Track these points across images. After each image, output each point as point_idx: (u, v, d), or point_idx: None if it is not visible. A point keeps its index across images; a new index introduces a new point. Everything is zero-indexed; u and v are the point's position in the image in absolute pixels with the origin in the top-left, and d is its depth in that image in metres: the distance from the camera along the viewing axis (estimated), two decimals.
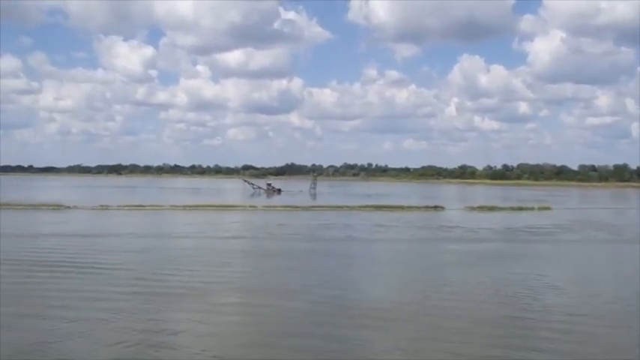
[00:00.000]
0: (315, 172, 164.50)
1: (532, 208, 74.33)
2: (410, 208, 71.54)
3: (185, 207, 67.85)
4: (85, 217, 55.96)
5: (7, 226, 45.87)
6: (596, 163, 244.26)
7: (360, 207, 70.79)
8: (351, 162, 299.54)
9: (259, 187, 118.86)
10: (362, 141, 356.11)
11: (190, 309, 19.58)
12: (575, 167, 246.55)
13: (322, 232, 45.44)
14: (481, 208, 72.93)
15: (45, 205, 66.37)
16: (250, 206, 71.34)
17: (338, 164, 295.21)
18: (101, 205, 67.16)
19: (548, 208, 75.14)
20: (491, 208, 73.47)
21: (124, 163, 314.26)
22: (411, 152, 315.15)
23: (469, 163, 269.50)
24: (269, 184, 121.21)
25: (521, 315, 19.42)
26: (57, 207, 65.20)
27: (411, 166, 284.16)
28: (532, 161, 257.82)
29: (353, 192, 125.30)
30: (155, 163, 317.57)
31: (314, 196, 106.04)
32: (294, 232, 45.14)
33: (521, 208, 74.38)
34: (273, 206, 71.39)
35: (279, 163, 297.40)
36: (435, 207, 72.27)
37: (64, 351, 15.06)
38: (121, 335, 16.30)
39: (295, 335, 16.83)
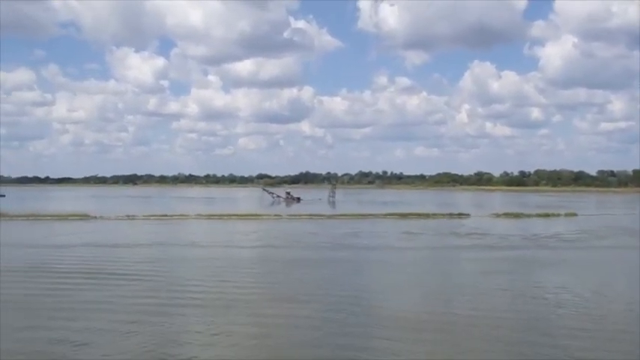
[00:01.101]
0: (333, 180, 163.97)
1: (558, 215, 73.75)
2: (435, 215, 71.24)
3: (210, 216, 68.10)
4: (114, 228, 56.16)
5: (42, 237, 46.30)
6: (612, 169, 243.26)
7: (386, 215, 70.71)
8: (363, 169, 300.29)
9: (278, 196, 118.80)
10: (373, 149, 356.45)
11: (237, 317, 19.76)
12: (591, 172, 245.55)
13: (352, 240, 45.34)
14: (507, 215, 72.40)
15: (72, 215, 66.81)
16: (275, 215, 71.38)
17: (348, 172, 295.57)
18: (127, 215, 67.59)
19: (574, 215, 74.51)
20: (517, 215, 72.99)
21: (138, 173, 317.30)
22: (422, 159, 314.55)
23: (482, 170, 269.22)
24: (288, 193, 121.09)
25: (571, 323, 19.27)
26: (83, 217, 65.61)
27: (424, 173, 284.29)
28: (545, 167, 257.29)
29: (371, 200, 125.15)
30: (167, 173, 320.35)
31: (333, 204, 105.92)
32: (325, 240, 45.05)
33: (547, 215, 73.77)
34: (298, 215, 71.37)
35: (291, 171, 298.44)
36: (460, 214, 71.94)
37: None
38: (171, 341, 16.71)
39: (342, 337, 17.03)
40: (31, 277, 27.49)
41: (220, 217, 67.80)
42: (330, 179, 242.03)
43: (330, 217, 70.53)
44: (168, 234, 50.14)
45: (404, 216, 69.78)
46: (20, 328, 18.01)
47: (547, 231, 53.01)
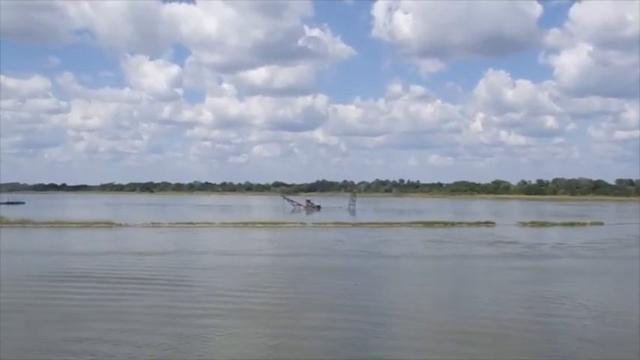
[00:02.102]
0: (354, 189, 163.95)
1: (584, 224, 73.18)
2: (460, 224, 70.81)
3: (235, 224, 68.13)
4: (141, 235, 56.45)
5: (72, 245, 46.63)
6: (630, 177, 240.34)
7: (411, 223, 70.59)
8: (377, 178, 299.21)
9: (299, 204, 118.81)
10: (387, 157, 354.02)
11: (282, 322, 20.05)
12: (609, 181, 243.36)
13: (381, 248, 45.25)
14: (533, 224, 71.93)
15: (96, 223, 67.07)
16: (300, 223, 71.43)
17: (363, 180, 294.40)
18: (152, 223, 67.86)
19: (600, 224, 73.91)
20: (543, 224, 72.51)
21: (151, 180, 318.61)
22: (437, 168, 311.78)
23: (496, 179, 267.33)
24: (308, 201, 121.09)
25: (619, 330, 19.33)
26: (109, 225, 65.94)
27: (439, 181, 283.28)
28: (562, 176, 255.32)
29: (391, 208, 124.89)
30: (181, 181, 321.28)
31: (354, 212, 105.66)
32: (354, 248, 44.99)
33: (572, 224, 73.08)
34: (324, 223, 71.08)
35: (305, 179, 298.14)
36: (486, 223, 71.56)
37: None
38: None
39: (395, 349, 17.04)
40: (72, 284, 27.82)
41: (245, 225, 67.80)
42: (347, 187, 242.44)
43: (355, 225, 70.38)
44: (198, 242, 50.40)
45: (429, 224, 69.50)
46: (68, 330, 18.27)
47: (576, 240, 52.51)
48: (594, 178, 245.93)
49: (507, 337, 18.39)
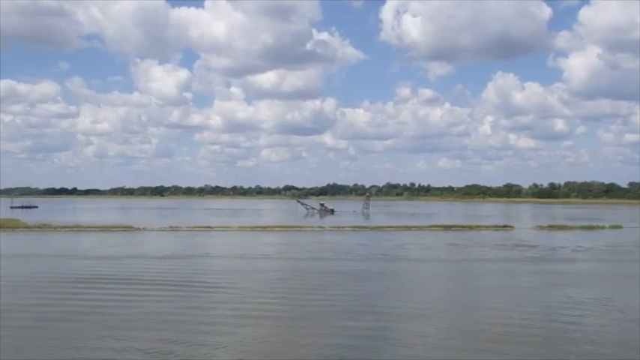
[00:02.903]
0: (367, 192, 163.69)
1: (603, 227, 72.77)
2: (479, 227, 70.68)
3: (253, 228, 68.18)
4: (161, 239, 56.54)
5: (94, 249, 46.68)
6: (638, 180, 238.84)
7: (430, 226, 70.42)
8: (386, 181, 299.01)
9: (312, 208, 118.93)
10: (396, 160, 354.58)
11: (317, 328, 19.91)
12: (621, 184, 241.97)
13: (403, 252, 45.16)
14: (551, 227, 71.71)
15: (116, 226, 67.51)
16: (318, 227, 71.39)
17: (372, 184, 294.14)
18: (170, 227, 68.00)
19: (619, 227, 73.46)
20: (562, 227, 72.23)
21: (160, 184, 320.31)
22: (445, 171, 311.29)
23: (505, 182, 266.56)
24: (322, 205, 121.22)
25: None
26: (128, 228, 66.18)
27: (447, 184, 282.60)
28: (572, 179, 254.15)
29: (404, 212, 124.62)
30: (190, 184, 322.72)
31: (367, 216, 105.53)
32: (376, 252, 44.79)
33: (591, 227, 72.79)
34: (342, 227, 71.11)
35: (314, 183, 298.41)
36: (505, 226, 71.37)
37: None
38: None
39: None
40: (105, 286, 27.98)
41: (263, 228, 67.91)
42: (358, 190, 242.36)
43: (373, 228, 70.41)
44: (218, 245, 50.62)
45: (448, 228, 69.45)
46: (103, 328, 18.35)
47: (596, 243, 52.26)
48: (604, 181, 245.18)
49: (545, 338, 18.46)
